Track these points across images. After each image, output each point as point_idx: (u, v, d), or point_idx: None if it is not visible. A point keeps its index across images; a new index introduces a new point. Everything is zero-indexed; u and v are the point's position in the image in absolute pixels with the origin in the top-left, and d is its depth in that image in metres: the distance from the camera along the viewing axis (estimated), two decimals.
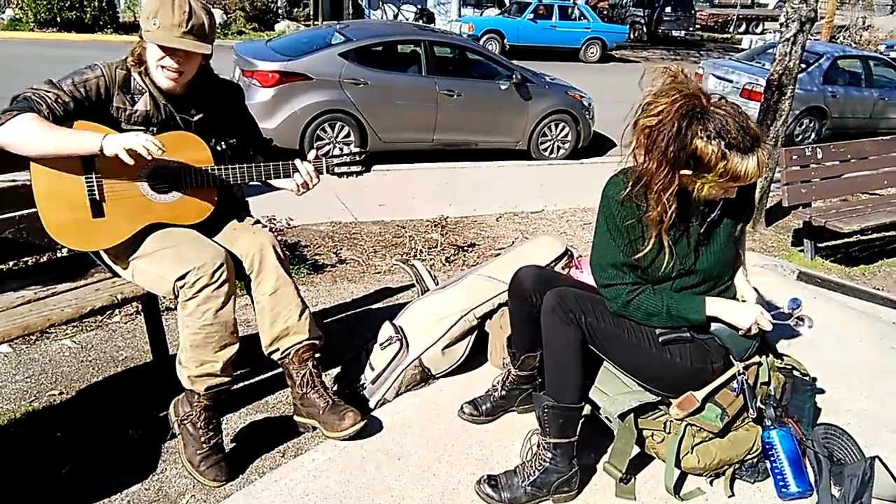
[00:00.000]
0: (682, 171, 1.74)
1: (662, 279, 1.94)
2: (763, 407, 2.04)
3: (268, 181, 2.25)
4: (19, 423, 2.34)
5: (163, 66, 2.03)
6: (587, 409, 2.02)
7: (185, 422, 2.11)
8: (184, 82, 2.09)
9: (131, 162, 1.92)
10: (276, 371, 2.56)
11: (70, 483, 2.07)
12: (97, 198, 2.01)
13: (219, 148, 2.21)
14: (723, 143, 1.68)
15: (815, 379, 2.25)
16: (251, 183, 2.22)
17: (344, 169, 2.32)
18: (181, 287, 2.01)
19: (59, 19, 14.37)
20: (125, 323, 3.07)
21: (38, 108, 1.92)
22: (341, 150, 2.35)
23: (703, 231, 1.90)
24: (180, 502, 2.02)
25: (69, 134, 1.94)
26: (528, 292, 2.10)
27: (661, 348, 1.93)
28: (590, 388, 2.03)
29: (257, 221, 2.33)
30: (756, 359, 2.06)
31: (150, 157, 1.92)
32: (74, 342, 2.88)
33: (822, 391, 2.34)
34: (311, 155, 2.30)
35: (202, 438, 2.08)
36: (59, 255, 2.69)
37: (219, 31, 15.59)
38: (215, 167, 2.13)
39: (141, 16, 2.03)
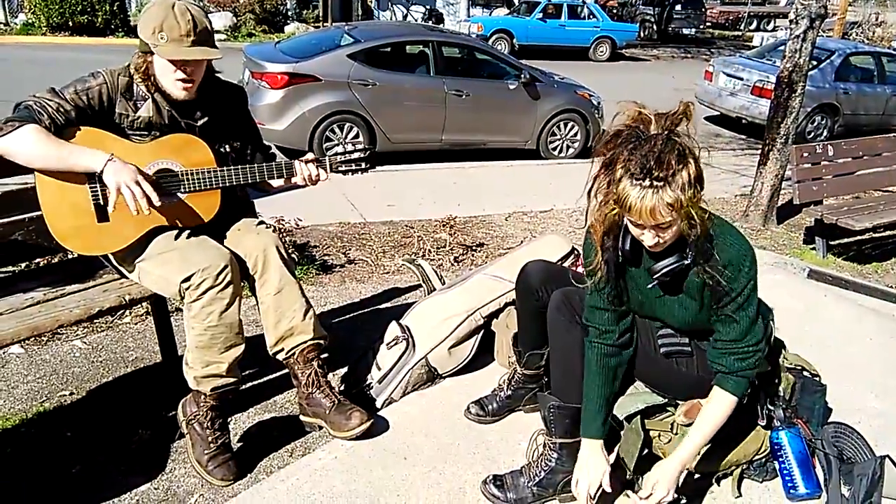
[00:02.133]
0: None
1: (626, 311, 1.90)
2: (772, 408, 2.03)
3: (269, 180, 2.26)
4: (30, 424, 2.36)
5: (175, 77, 2.04)
6: None
7: (193, 422, 2.12)
8: (195, 88, 2.11)
9: (116, 198, 1.97)
10: (284, 371, 2.57)
11: (80, 483, 2.09)
12: (102, 203, 2.03)
13: (222, 150, 2.22)
14: (626, 162, 1.56)
15: (824, 383, 2.23)
16: (252, 182, 2.23)
17: (347, 166, 2.33)
18: (186, 289, 2.02)
19: (70, 23, 14.51)
20: (135, 324, 3.09)
21: (40, 119, 1.92)
22: (344, 147, 2.37)
23: (656, 283, 1.77)
24: (188, 501, 2.03)
25: (71, 152, 1.94)
26: (534, 287, 2.10)
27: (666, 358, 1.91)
28: None
29: (261, 222, 2.34)
30: (765, 366, 2.03)
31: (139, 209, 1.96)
32: (85, 343, 2.91)
33: (832, 390, 2.32)
34: (309, 156, 2.32)
35: (209, 438, 2.10)
36: (68, 256, 2.71)
37: (229, 33, 15.72)
38: (217, 169, 2.15)
39: (143, 31, 2.00)
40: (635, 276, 1.83)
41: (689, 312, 1.81)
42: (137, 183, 1.94)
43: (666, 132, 1.56)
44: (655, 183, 1.53)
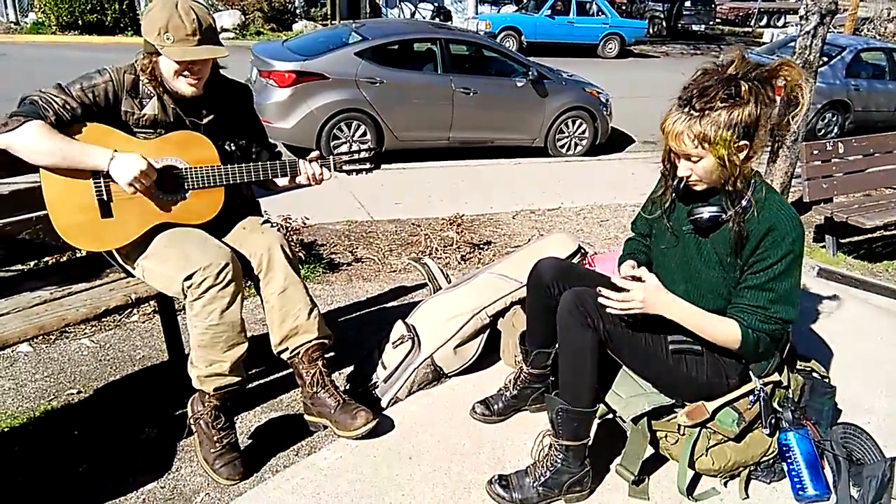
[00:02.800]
0: None
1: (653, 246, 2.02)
2: (780, 410, 2.01)
3: (273, 178, 2.26)
4: (38, 422, 2.37)
5: (183, 76, 2.04)
6: (601, 408, 2.00)
7: (199, 420, 2.12)
8: (202, 84, 2.11)
9: (131, 192, 2.01)
10: (290, 370, 2.55)
11: (87, 481, 2.10)
12: (105, 198, 2.03)
13: (227, 148, 2.22)
14: (683, 91, 1.66)
15: (833, 384, 2.21)
16: (256, 180, 2.23)
17: (352, 166, 2.32)
18: (188, 287, 2.01)
19: (80, 22, 14.60)
20: (143, 322, 3.10)
21: (45, 115, 1.92)
22: (350, 146, 2.36)
23: (687, 223, 1.83)
24: (195, 500, 2.04)
25: (74, 149, 1.95)
26: (547, 283, 2.09)
27: (676, 359, 1.89)
28: (604, 391, 2.00)
29: (266, 221, 2.34)
30: (776, 377, 2.01)
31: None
32: (93, 341, 2.92)
33: (841, 390, 2.30)
34: (314, 154, 2.32)
35: (215, 437, 2.10)
36: (77, 255, 2.72)
37: (237, 31, 15.75)
38: (221, 166, 2.14)
39: (148, 33, 2.00)
40: (678, 211, 1.88)
41: (710, 271, 1.81)
42: (146, 175, 1.98)
43: (735, 73, 1.61)
44: (692, 112, 1.60)
